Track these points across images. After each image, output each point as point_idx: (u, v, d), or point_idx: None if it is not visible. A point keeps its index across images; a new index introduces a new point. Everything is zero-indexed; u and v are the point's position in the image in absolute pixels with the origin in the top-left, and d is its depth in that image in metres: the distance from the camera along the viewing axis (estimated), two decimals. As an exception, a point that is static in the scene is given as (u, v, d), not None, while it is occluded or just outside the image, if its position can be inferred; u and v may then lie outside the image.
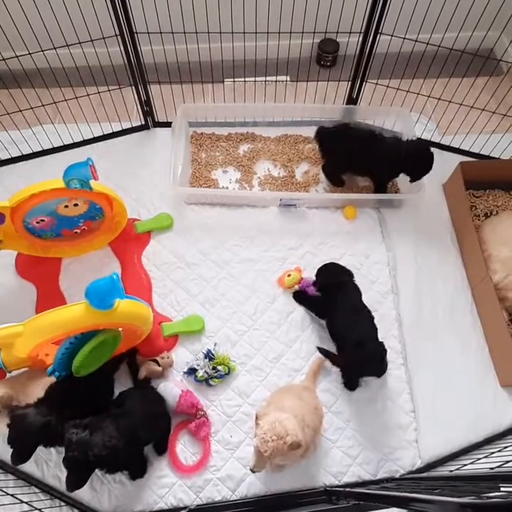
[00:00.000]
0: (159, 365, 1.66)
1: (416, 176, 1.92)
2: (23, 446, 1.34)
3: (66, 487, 1.27)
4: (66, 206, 1.68)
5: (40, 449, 1.45)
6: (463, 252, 1.97)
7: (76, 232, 1.84)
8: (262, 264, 1.93)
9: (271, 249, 1.97)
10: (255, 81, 2.16)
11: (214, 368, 1.66)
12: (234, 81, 2.18)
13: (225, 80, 2.27)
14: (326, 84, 2.19)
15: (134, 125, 2.25)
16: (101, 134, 2.21)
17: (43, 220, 1.70)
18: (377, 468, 1.56)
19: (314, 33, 1.88)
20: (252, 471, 1.30)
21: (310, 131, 2.26)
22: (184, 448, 1.59)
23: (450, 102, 2.00)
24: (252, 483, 1.53)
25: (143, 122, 2.25)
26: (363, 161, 1.97)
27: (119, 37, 1.83)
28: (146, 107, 2.18)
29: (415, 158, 1.88)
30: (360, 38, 1.90)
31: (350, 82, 2.13)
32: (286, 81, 2.30)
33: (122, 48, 1.89)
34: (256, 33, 1.86)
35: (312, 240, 1.99)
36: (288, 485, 1.52)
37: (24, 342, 1.36)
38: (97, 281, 1.33)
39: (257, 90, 2.25)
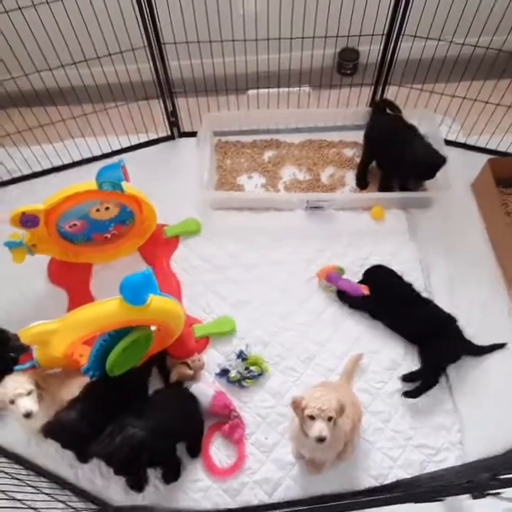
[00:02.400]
0: (190, 368, 1.65)
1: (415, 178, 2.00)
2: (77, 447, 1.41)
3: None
4: (98, 210, 1.71)
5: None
6: (497, 251, 1.92)
7: (107, 237, 1.86)
8: (290, 266, 1.92)
9: (298, 252, 1.96)
10: (278, 91, 2.21)
11: (247, 368, 1.63)
12: (258, 92, 2.22)
13: (249, 90, 2.31)
14: (348, 92, 2.22)
15: (160, 136, 2.30)
16: (129, 144, 2.26)
17: (75, 225, 1.73)
18: (420, 471, 1.49)
19: (337, 37, 1.90)
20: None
21: (334, 136, 2.29)
22: (218, 451, 1.55)
23: (475, 100, 2.00)
24: (290, 486, 1.48)
25: (169, 133, 2.30)
26: (385, 151, 2.01)
27: (147, 48, 1.90)
28: (173, 118, 2.24)
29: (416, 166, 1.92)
30: (383, 40, 1.93)
31: (373, 86, 2.15)
32: (309, 87, 2.33)
33: (150, 60, 1.95)
34: (279, 39, 1.92)
35: (340, 242, 1.97)
36: (326, 488, 1.47)
37: (60, 339, 1.36)
38: (130, 276, 1.34)
39: (281, 101, 2.29)
